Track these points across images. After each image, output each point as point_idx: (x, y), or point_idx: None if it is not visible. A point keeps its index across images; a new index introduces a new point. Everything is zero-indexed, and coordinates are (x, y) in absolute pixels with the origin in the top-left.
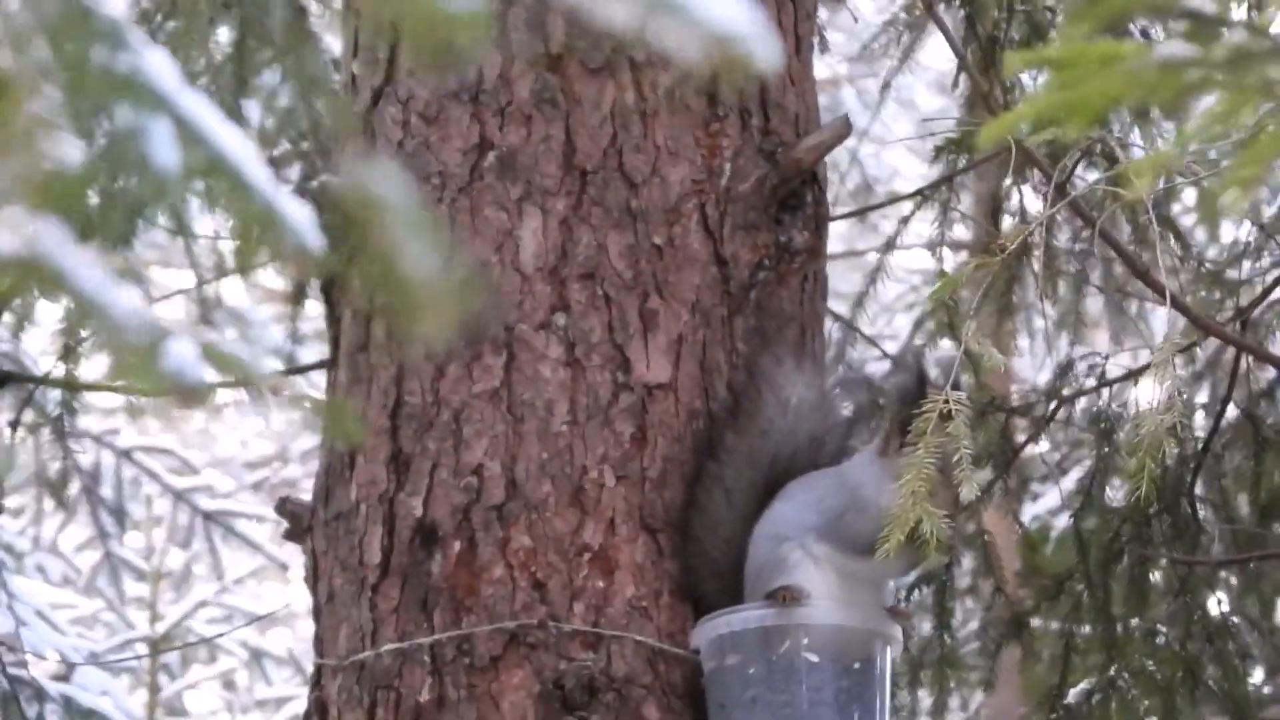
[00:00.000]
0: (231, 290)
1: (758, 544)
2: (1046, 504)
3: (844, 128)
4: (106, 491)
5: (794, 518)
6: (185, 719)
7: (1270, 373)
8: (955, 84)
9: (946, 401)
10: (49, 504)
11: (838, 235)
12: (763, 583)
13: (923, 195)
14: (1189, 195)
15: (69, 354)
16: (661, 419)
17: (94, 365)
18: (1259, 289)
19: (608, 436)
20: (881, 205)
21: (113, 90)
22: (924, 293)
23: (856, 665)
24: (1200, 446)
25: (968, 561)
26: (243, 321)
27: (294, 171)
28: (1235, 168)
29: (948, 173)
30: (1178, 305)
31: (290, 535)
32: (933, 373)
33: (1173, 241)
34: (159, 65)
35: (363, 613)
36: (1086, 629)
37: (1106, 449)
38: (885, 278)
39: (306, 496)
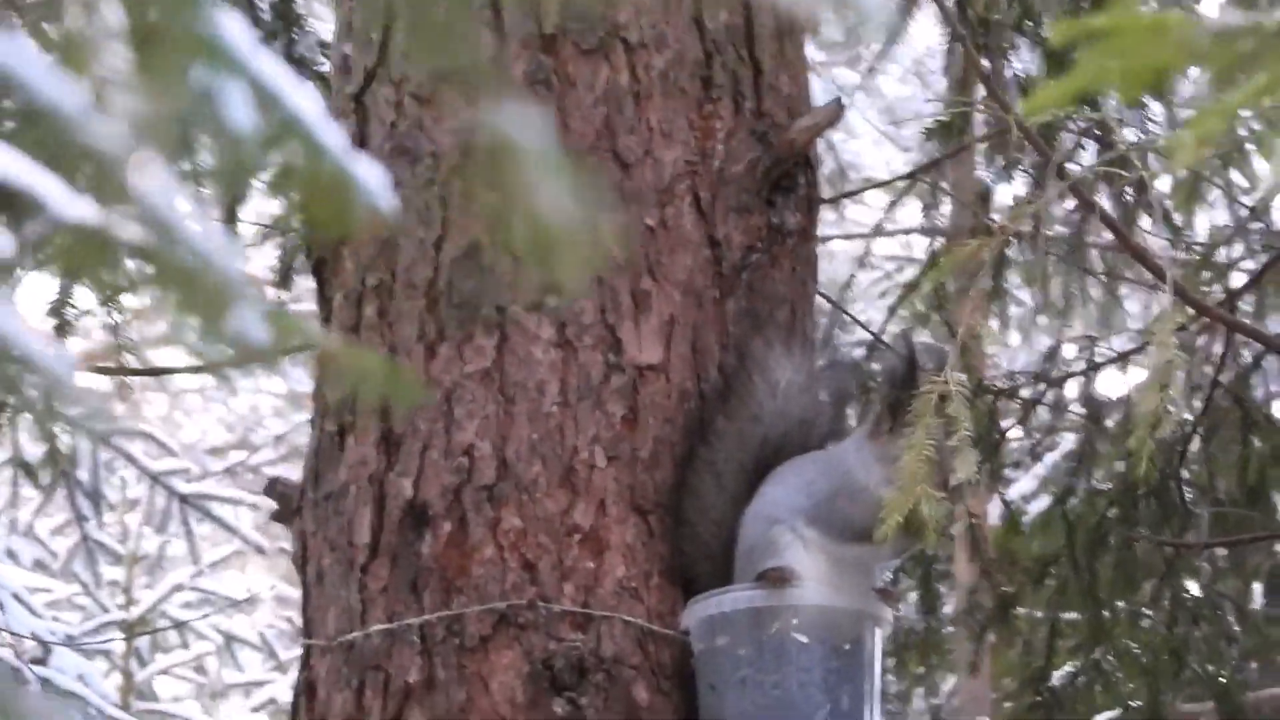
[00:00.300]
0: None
1: (748, 526)
2: (1019, 489)
3: (836, 110)
4: (83, 475)
5: (784, 500)
6: (156, 704)
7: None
8: (947, 67)
9: (946, 383)
10: (26, 487)
11: None
12: (753, 565)
13: (914, 178)
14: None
15: (62, 332)
16: (653, 400)
17: (78, 343)
18: (1248, 272)
19: (599, 417)
20: (872, 187)
21: (189, 51)
22: (898, 279)
23: (846, 646)
24: (1188, 429)
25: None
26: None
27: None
28: None
29: (938, 155)
30: (1176, 288)
31: (279, 516)
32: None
33: (1162, 223)
34: (234, 27)
35: (352, 593)
36: (1071, 614)
37: (1093, 432)
38: (867, 264)
39: (289, 480)
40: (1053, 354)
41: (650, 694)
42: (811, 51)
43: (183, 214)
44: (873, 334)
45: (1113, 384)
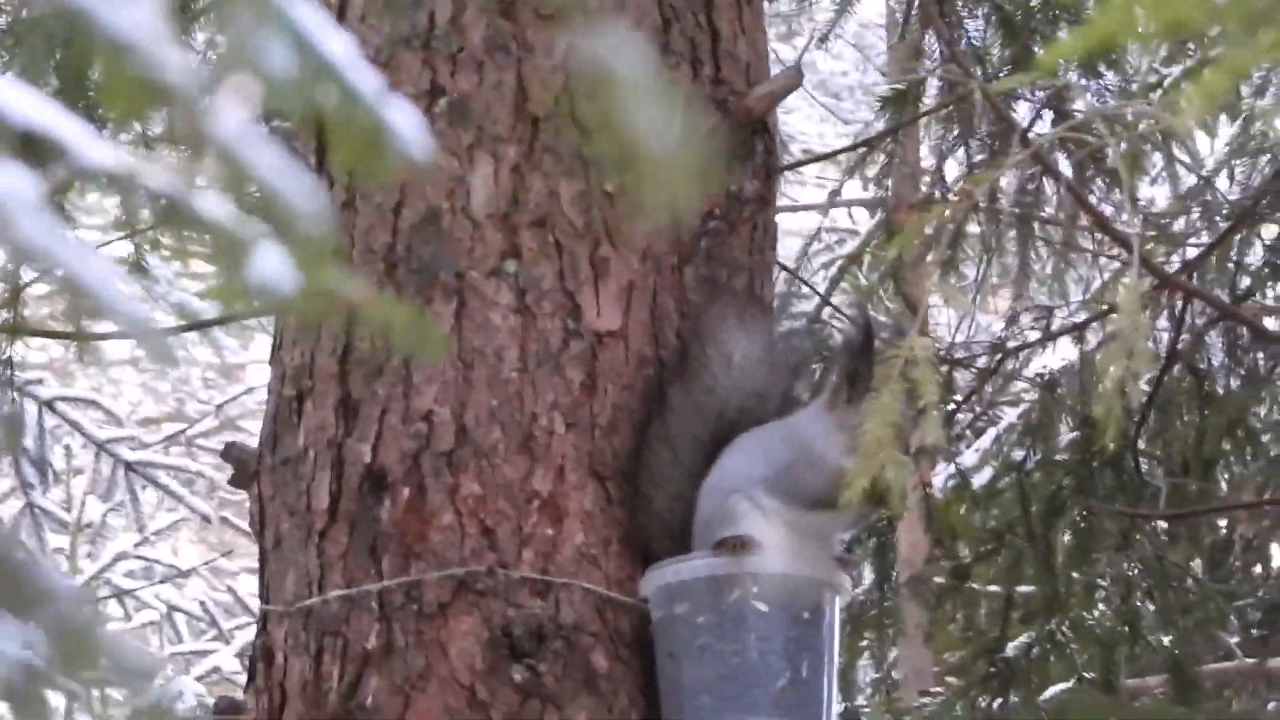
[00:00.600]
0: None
1: (706, 497)
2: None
3: (795, 77)
4: (29, 443)
5: (742, 471)
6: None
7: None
8: (902, 35)
9: (912, 349)
10: None
11: None
12: (711, 535)
13: (870, 146)
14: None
15: (14, 300)
16: (611, 366)
17: (37, 310)
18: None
19: (558, 383)
20: (831, 155)
21: None
22: (840, 251)
23: (806, 614)
24: (1143, 400)
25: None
26: (148, 276)
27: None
28: None
29: (886, 128)
30: (1143, 259)
31: (236, 481)
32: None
33: (1121, 193)
34: None
35: (310, 559)
36: (1026, 587)
37: (1048, 402)
38: (809, 237)
39: (246, 444)
40: (1010, 323)
41: (609, 661)
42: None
43: (263, 156)
44: (828, 301)
45: (1065, 354)
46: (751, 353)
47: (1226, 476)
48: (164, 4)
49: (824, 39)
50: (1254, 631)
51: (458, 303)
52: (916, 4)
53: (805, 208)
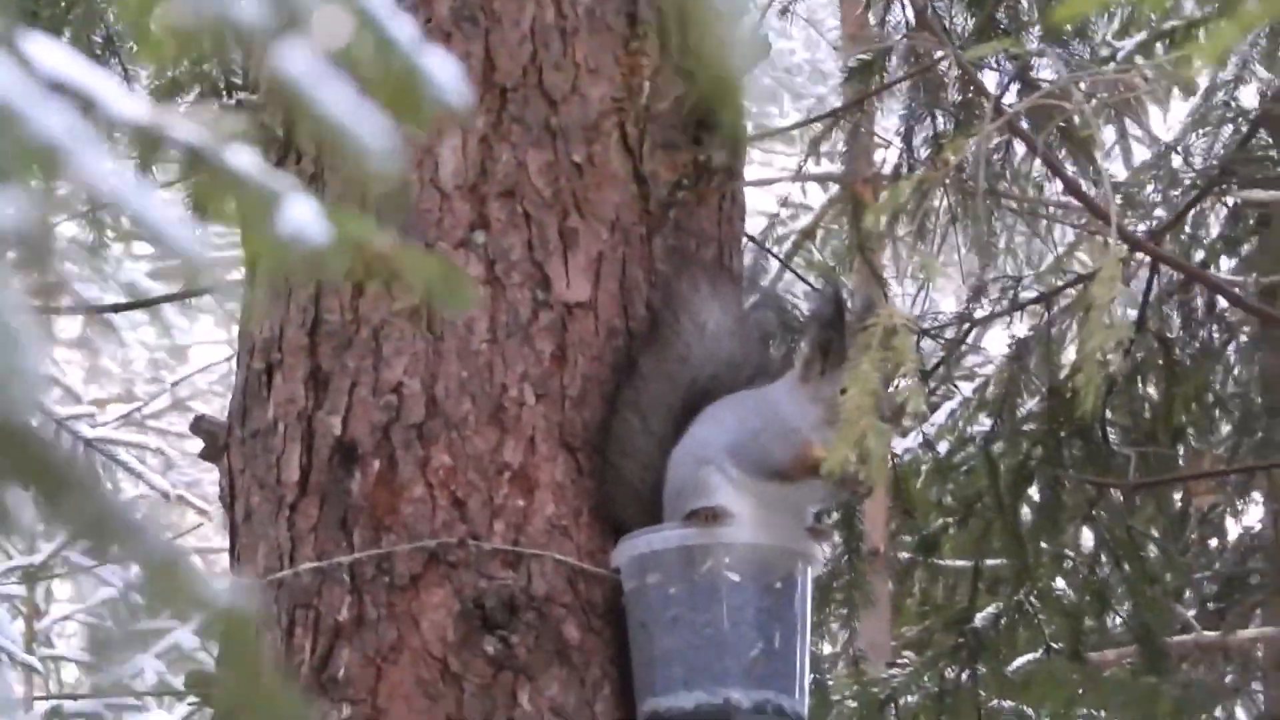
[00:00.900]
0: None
1: (676, 467)
2: (914, 438)
3: (763, 47)
4: None
5: (713, 441)
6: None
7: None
8: (867, 4)
9: (891, 317)
10: None
11: None
12: (682, 504)
13: (837, 116)
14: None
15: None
16: (581, 337)
17: None
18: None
19: (527, 354)
20: (797, 126)
21: None
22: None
23: (778, 584)
24: (1111, 370)
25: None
26: (94, 255)
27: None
28: None
29: (860, 94)
30: (1120, 231)
31: (206, 454)
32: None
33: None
34: None
35: (281, 531)
36: (995, 560)
37: (1015, 372)
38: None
39: (214, 417)
40: (977, 294)
41: (581, 632)
42: None
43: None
44: (795, 273)
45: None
46: (724, 322)
47: (1187, 447)
48: None
49: (784, 10)
50: (1210, 605)
51: None
52: None
53: (766, 182)
